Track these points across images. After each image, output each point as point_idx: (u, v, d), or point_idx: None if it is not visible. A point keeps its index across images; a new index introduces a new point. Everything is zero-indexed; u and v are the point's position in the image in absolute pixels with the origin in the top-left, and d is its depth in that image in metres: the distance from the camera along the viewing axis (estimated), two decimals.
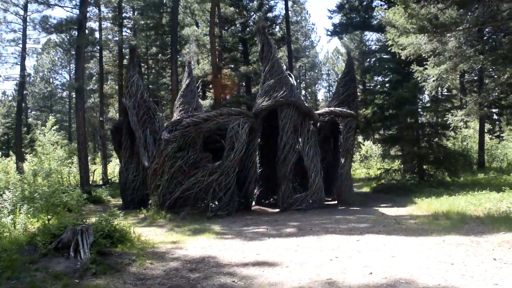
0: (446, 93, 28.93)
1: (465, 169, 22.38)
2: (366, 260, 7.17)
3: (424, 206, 13.77)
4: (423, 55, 14.56)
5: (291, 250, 8.26)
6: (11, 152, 32.56)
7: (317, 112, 16.95)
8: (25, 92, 40.10)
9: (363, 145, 36.28)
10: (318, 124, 16.56)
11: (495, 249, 7.54)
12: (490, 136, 30.67)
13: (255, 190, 17.23)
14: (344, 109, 16.76)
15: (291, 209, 14.54)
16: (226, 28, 35.24)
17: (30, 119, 54.95)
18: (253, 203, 16.79)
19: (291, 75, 16.35)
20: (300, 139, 15.05)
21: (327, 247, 8.40)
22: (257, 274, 6.71)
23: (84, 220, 9.17)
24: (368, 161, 34.81)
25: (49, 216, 11.07)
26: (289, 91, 15.20)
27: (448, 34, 12.99)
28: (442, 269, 6.42)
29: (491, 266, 6.52)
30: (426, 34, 12.78)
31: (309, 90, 63.55)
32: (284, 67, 16.22)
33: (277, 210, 15.18)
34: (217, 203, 14.29)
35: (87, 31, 26.49)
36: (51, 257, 7.53)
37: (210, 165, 13.81)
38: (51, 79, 59.51)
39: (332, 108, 17.16)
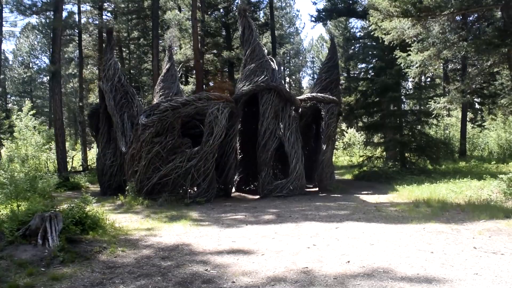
0: (429, 81, 28.93)
1: (446, 157, 22.42)
2: (344, 248, 6.97)
3: (405, 193, 13.70)
4: (407, 41, 14.37)
5: (268, 238, 8.03)
6: None
7: (299, 97, 16.67)
8: (2, 76, 39.05)
9: (347, 132, 36.22)
10: (300, 110, 16.31)
11: (475, 238, 7.41)
12: (472, 125, 30.83)
13: (235, 176, 16.97)
14: (326, 95, 16.51)
15: (271, 195, 14.33)
16: (209, 12, 34.64)
17: (10, 105, 53.74)
18: (233, 189, 16.54)
19: (273, 59, 16.00)
20: (281, 125, 14.79)
21: (305, 234, 8.19)
22: (231, 263, 6.46)
23: (55, 207, 8.82)
24: (351, 148, 34.83)
25: (19, 203, 10.63)
26: (270, 75, 14.89)
27: (432, 19, 12.75)
28: (422, 258, 6.25)
29: (471, 255, 6.36)
30: (409, 18, 12.55)
31: (293, 77, 63.21)
32: (266, 51, 15.87)
33: (257, 196, 14.95)
34: (195, 189, 13.98)
35: (66, 14, 25.82)
36: (17, 244, 7.20)
37: (188, 150, 13.47)
38: (30, 64, 58.09)
39: (314, 94, 16.90)
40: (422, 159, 20.47)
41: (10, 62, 57.71)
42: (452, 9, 11.83)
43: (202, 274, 5.95)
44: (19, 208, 10.12)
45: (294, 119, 15.18)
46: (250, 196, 15.58)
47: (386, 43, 14.76)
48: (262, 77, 14.72)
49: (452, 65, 29.87)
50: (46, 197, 11.38)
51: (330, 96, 16.43)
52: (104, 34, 32.06)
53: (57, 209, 8.42)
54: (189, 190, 13.78)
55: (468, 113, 28.30)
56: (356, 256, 6.46)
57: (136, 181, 13.74)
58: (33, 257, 6.77)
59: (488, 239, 7.28)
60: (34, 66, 57.31)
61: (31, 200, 10.49)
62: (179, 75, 23.40)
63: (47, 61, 55.16)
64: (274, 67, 15.37)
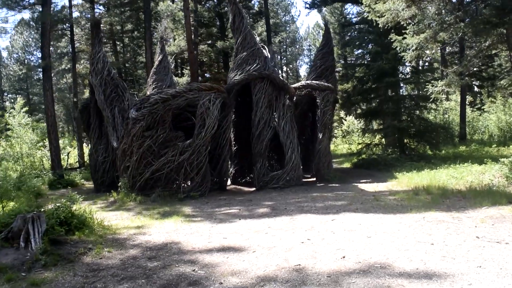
0: (427, 66, 28.54)
1: (446, 142, 22.10)
2: (339, 242, 6.62)
3: (404, 181, 13.36)
4: (402, 23, 13.92)
5: (261, 233, 7.69)
6: None
7: (293, 85, 16.26)
8: None
9: (345, 120, 35.84)
10: (295, 98, 15.91)
11: (477, 226, 7.06)
12: (472, 108, 30.45)
13: (231, 169, 16.63)
14: (321, 82, 16.09)
15: (267, 187, 13.96)
16: (203, 2, 34.10)
17: (7, 103, 53.37)
18: (229, 182, 16.19)
19: (265, 47, 15.57)
20: (275, 114, 14.39)
21: (300, 228, 7.85)
22: (220, 261, 6.11)
23: (40, 207, 8.49)
24: (350, 136, 34.47)
25: (3, 203, 10.29)
26: (263, 63, 14.45)
27: (427, 0, 12.30)
28: (421, 250, 5.89)
29: (474, 245, 6.00)
30: None
31: (291, 66, 62.66)
32: (258, 39, 15.42)
33: (253, 189, 14.58)
34: (189, 183, 13.62)
35: (57, 8, 25.42)
36: None
37: (180, 144, 13.08)
38: (26, 61, 57.55)
39: (308, 81, 16.48)
40: (421, 144, 20.13)
41: (5, 60, 57.27)
42: None
43: (188, 275, 5.62)
44: (4, 209, 9.80)
45: (288, 108, 14.78)
46: (246, 189, 15.21)
47: (380, 25, 14.32)
48: (254, 65, 14.29)
49: (450, 48, 29.42)
50: (30, 196, 11.02)
51: (325, 84, 16.01)
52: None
53: (41, 209, 8.11)
54: (183, 185, 13.41)
55: (467, 96, 27.91)
56: (352, 251, 6.11)
57: (128, 177, 13.37)
58: (14, 261, 6.43)
59: (491, 227, 6.93)
60: (30, 63, 56.80)
61: (16, 200, 10.17)
62: (172, 67, 23.00)
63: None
64: (266, 55, 14.93)
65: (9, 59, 57.98)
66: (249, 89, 14.68)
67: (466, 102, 27.20)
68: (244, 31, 14.88)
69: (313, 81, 16.30)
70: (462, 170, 13.11)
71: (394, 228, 7.24)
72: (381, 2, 12.77)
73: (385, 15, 13.44)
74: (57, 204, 8.32)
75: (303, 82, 16.87)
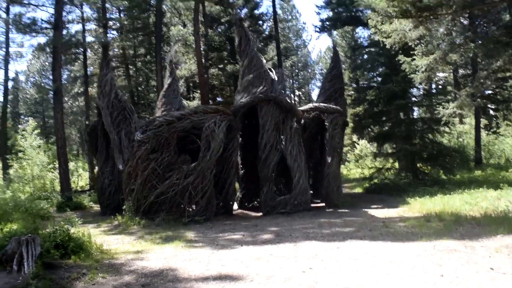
0: (440, 88, 28.19)
1: (461, 166, 21.54)
2: (342, 272, 6.23)
3: (416, 206, 12.91)
4: (409, 44, 13.65)
5: (262, 260, 7.32)
6: None
7: (301, 108, 16.00)
8: (11, 96, 39.16)
9: (358, 144, 35.40)
10: (303, 121, 15.64)
11: (492, 256, 6.62)
12: (487, 132, 29.85)
13: (238, 193, 16.30)
14: (330, 105, 15.83)
15: (274, 212, 13.57)
16: (214, 27, 34.37)
17: (22, 126, 53.99)
18: (236, 206, 15.85)
19: (272, 69, 15.42)
20: (282, 137, 14.11)
21: (303, 256, 7.47)
22: None
23: (39, 229, 8.31)
24: (363, 160, 33.98)
25: (1, 226, 10.11)
26: (270, 86, 14.27)
27: (435, 20, 12.03)
28: (430, 283, 5.48)
29: (487, 277, 5.58)
30: (410, 19, 11.82)
31: (303, 90, 62.59)
32: (265, 62, 15.29)
33: (261, 214, 14.21)
34: (194, 207, 13.32)
35: (71, 33, 25.80)
36: None
37: (185, 167, 12.83)
38: (42, 84, 58.37)
39: (316, 104, 16.24)
40: (436, 169, 19.64)
41: (22, 84, 58.21)
42: (455, 7, 11.06)
43: None
44: (2, 231, 9.61)
45: (296, 131, 14.50)
46: (253, 214, 14.83)
47: (387, 46, 14.08)
48: (260, 88, 14.11)
49: (463, 71, 29.06)
50: (28, 218, 10.83)
51: (334, 106, 15.75)
52: (112, 52, 32.14)
53: (38, 232, 7.91)
54: (188, 209, 13.12)
55: (482, 119, 27.40)
56: (354, 282, 5.72)
57: (133, 200, 13.14)
58: (5, 285, 6.22)
59: (506, 258, 6.50)
60: (44, 86, 57.55)
61: (15, 222, 10.01)
62: (182, 90, 22.98)
63: None
64: (273, 77, 14.76)
65: (26, 83, 58.90)
66: (256, 112, 14.48)
67: (481, 125, 26.69)
68: (251, 54, 14.77)
69: (321, 104, 16.06)
70: (476, 196, 12.65)
71: (402, 258, 6.84)
72: (387, 22, 12.53)
73: (392, 36, 13.20)
74: (55, 227, 8.11)
75: (311, 105, 16.64)
